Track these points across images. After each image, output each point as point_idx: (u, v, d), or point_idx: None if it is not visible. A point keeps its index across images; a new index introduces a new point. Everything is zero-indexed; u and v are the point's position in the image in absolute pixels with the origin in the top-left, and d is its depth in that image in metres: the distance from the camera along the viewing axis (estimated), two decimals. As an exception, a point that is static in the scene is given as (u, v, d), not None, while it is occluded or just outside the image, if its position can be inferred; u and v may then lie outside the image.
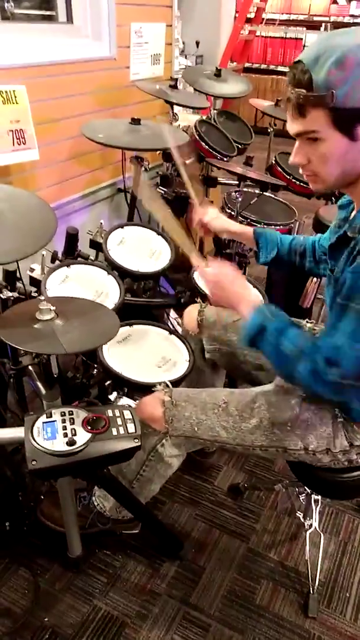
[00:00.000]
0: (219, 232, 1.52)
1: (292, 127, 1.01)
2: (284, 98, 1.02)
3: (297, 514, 1.59)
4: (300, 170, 1.08)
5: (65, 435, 1.09)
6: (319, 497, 1.49)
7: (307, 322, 1.49)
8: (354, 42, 0.92)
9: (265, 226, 2.28)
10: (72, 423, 1.12)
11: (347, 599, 1.47)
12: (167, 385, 1.32)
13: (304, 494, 1.54)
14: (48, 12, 2.32)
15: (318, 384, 1.04)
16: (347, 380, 1.01)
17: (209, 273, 1.22)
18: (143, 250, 1.84)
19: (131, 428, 1.14)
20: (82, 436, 1.09)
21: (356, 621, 1.41)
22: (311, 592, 1.44)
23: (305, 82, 0.95)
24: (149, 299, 1.96)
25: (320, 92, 0.93)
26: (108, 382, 1.63)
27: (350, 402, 1.16)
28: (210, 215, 1.48)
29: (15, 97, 1.83)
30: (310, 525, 1.52)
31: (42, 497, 1.53)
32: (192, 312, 1.61)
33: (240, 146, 2.70)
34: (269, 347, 1.10)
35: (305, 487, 1.46)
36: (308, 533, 1.51)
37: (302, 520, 1.55)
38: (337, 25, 5.80)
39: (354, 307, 0.97)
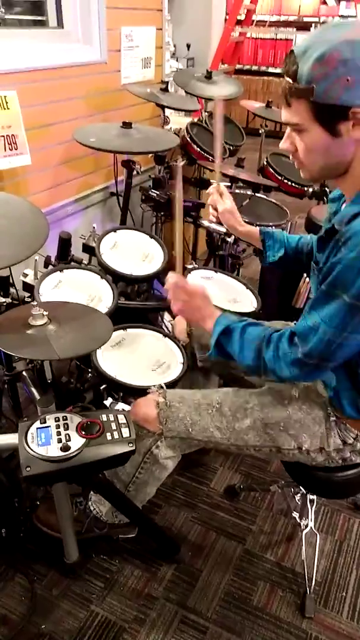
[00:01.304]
0: (226, 227, 1.54)
1: (282, 114, 1.02)
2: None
3: (293, 515, 1.59)
4: (290, 157, 1.09)
5: (60, 440, 1.09)
6: (315, 497, 1.50)
7: (296, 323, 1.50)
8: (342, 38, 0.91)
9: (257, 227, 2.29)
10: (67, 428, 1.12)
11: (344, 598, 1.47)
12: (162, 387, 1.33)
13: (299, 494, 1.55)
14: (39, 17, 2.32)
15: (282, 366, 1.08)
16: (311, 359, 1.04)
17: (188, 288, 1.25)
18: (136, 254, 1.84)
19: (125, 432, 1.15)
20: (77, 441, 1.09)
21: (353, 620, 1.42)
22: (308, 592, 1.45)
23: (291, 73, 0.95)
24: (143, 302, 1.96)
25: (302, 84, 0.94)
26: (103, 387, 1.63)
27: (339, 396, 1.18)
28: (225, 206, 1.50)
29: (7, 102, 1.83)
30: (306, 525, 1.52)
31: (38, 503, 1.53)
32: (181, 321, 1.62)
33: (232, 148, 2.70)
34: (236, 346, 1.15)
35: (301, 487, 1.46)
36: (304, 533, 1.52)
37: (298, 520, 1.55)
38: (327, 27, 5.81)
39: (338, 295, 0.97)
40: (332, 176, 1.07)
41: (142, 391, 1.34)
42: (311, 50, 0.92)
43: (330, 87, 0.91)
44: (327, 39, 0.92)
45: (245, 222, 2.21)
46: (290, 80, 0.96)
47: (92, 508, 1.46)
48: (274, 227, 2.29)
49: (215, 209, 1.53)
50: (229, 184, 2.27)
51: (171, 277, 1.26)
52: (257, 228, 1.50)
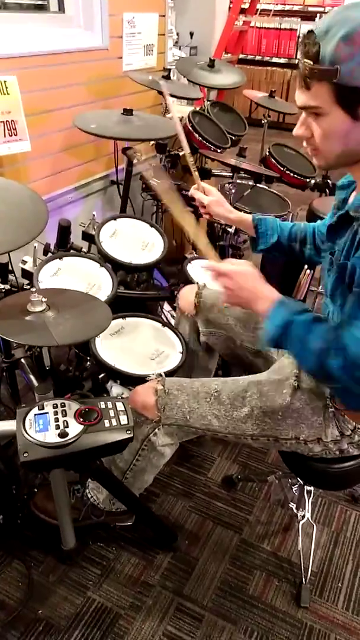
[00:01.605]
0: (217, 218, 1.52)
1: (299, 98, 0.98)
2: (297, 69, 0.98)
3: (290, 505, 1.60)
4: (304, 144, 1.05)
5: (58, 427, 1.09)
6: (312, 488, 1.50)
7: None
8: None
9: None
10: (65, 415, 1.12)
11: (339, 589, 1.48)
12: (160, 375, 1.32)
13: (296, 485, 1.55)
14: (39, 2, 2.29)
15: (349, 379, 0.98)
16: None
17: (224, 270, 1.13)
18: (136, 243, 1.83)
19: (124, 420, 1.14)
20: (74, 428, 1.09)
21: (347, 610, 1.42)
22: (304, 582, 1.45)
23: (312, 54, 0.91)
24: (143, 291, 1.95)
25: (326, 65, 0.90)
26: (102, 375, 1.62)
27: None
28: (212, 198, 1.48)
29: (6, 87, 1.81)
30: (303, 516, 1.53)
31: (36, 490, 1.53)
32: (188, 293, 1.60)
33: (233, 137, 2.68)
34: (296, 344, 1.02)
35: (298, 479, 1.46)
36: (301, 524, 1.52)
37: (295, 511, 1.55)
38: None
39: None
40: (348, 163, 1.04)
41: (140, 380, 1.34)
42: (334, 30, 0.89)
43: (356, 67, 0.88)
44: (352, 18, 0.88)
45: (246, 212, 2.20)
46: (311, 62, 0.92)
47: (89, 495, 1.46)
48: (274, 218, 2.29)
49: (203, 206, 1.51)
50: (231, 174, 2.25)
51: (207, 266, 1.16)
52: (250, 215, 1.48)
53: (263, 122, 3.03)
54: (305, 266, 2.14)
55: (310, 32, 0.93)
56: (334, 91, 0.92)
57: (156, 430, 1.29)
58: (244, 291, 1.10)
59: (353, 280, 0.99)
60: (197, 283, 1.61)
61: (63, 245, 1.73)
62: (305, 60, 0.93)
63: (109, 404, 1.17)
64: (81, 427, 1.09)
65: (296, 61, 0.98)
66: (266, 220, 1.46)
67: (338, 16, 0.91)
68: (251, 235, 1.49)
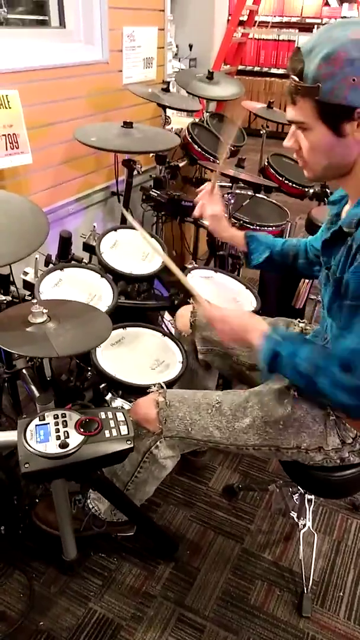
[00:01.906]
0: (212, 232, 1.54)
1: (287, 112, 1.03)
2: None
3: (291, 514, 1.60)
4: (294, 155, 1.09)
5: (58, 437, 1.10)
6: (313, 497, 1.50)
7: (299, 321, 1.51)
8: (349, 37, 0.91)
9: (258, 228, 2.30)
10: (65, 426, 1.13)
11: (341, 598, 1.47)
12: (162, 387, 1.33)
13: (297, 494, 1.55)
14: (41, 17, 2.33)
15: (340, 393, 1.02)
16: None
17: (213, 311, 1.23)
18: (136, 253, 1.84)
19: (124, 430, 1.15)
20: (75, 438, 1.10)
21: (349, 620, 1.42)
22: (305, 591, 1.45)
23: (297, 71, 0.96)
24: (143, 301, 1.96)
25: (308, 83, 0.94)
26: (102, 385, 1.63)
27: None
28: (214, 212, 1.49)
29: (8, 101, 1.84)
30: (304, 525, 1.53)
31: (37, 500, 1.53)
32: (184, 313, 1.63)
33: (232, 148, 2.70)
34: (288, 370, 1.10)
35: (299, 487, 1.46)
36: (302, 533, 1.52)
37: (296, 520, 1.55)
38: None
39: None
40: (335, 176, 1.07)
41: (141, 390, 1.35)
42: (318, 49, 0.92)
43: (336, 86, 0.92)
44: (333, 38, 0.92)
45: (245, 222, 2.21)
46: (297, 79, 0.96)
47: (90, 506, 1.46)
48: (274, 228, 2.31)
49: (200, 214, 1.52)
50: (230, 184, 2.27)
51: (203, 315, 1.26)
52: (242, 232, 1.51)
53: (261, 132, 3.06)
54: (305, 275, 2.16)
55: (298, 49, 0.97)
56: (317, 108, 0.96)
57: (158, 442, 1.30)
58: (236, 332, 1.20)
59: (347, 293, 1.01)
60: (192, 302, 1.62)
61: (64, 257, 1.75)
62: (292, 76, 0.97)
63: (110, 415, 1.18)
64: (82, 437, 1.10)
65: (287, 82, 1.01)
66: (257, 236, 1.49)
67: (322, 36, 0.94)
68: (244, 250, 1.51)
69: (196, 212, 1.53)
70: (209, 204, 1.50)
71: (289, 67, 0.99)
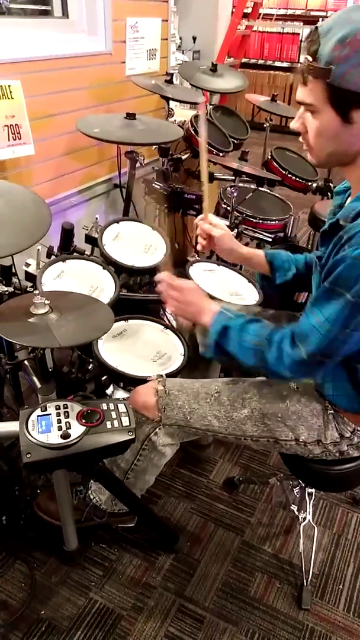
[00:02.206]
0: (224, 253, 1.45)
1: (298, 92, 1.01)
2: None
3: (292, 507, 1.60)
4: (300, 139, 1.07)
5: (60, 428, 1.10)
6: (313, 491, 1.50)
7: (301, 314, 1.50)
8: None
9: (260, 220, 2.29)
10: (67, 416, 1.13)
11: (340, 591, 1.48)
12: (161, 376, 1.33)
13: (298, 487, 1.55)
14: (43, 7, 2.31)
15: (284, 367, 1.07)
16: (314, 358, 1.03)
17: (176, 284, 1.25)
18: (138, 246, 1.84)
19: (125, 421, 1.15)
20: (77, 429, 1.10)
21: (349, 612, 1.43)
22: (305, 584, 1.46)
23: (312, 51, 0.94)
24: (145, 294, 1.96)
25: (321, 64, 0.92)
26: (104, 377, 1.63)
27: (324, 385, 1.19)
28: (222, 232, 1.42)
29: (11, 92, 1.83)
30: (304, 518, 1.53)
31: (39, 491, 1.54)
32: None
33: (236, 141, 2.69)
34: (234, 345, 1.13)
35: (299, 481, 1.47)
36: (302, 526, 1.53)
37: (296, 513, 1.56)
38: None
39: (341, 293, 0.97)
40: (339, 163, 1.06)
41: (142, 381, 1.35)
42: (335, 30, 0.90)
43: (348, 70, 0.90)
44: (352, 20, 0.90)
45: (248, 215, 2.19)
46: (310, 59, 0.94)
47: (91, 497, 1.47)
48: (276, 222, 2.30)
49: (205, 238, 1.44)
50: (233, 177, 2.26)
51: (159, 276, 1.27)
52: (260, 251, 1.45)
53: (265, 125, 3.04)
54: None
55: (315, 28, 0.95)
56: (327, 91, 0.94)
57: (157, 430, 1.30)
58: (191, 306, 1.24)
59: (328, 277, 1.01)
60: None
61: (66, 248, 1.74)
62: (306, 55, 0.95)
63: (111, 406, 1.18)
64: (83, 428, 1.10)
65: (299, 64, 1.00)
66: (280, 253, 1.43)
67: (341, 18, 0.92)
68: (263, 272, 1.45)
69: (200, 248, 1.46)
70: (213, 232, 1.41)
71: (303, 47, 0.98)
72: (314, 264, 1.22)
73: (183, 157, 2.61)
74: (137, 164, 2.31)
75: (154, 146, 2.49)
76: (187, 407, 1.26)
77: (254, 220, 2.28)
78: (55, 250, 1.74)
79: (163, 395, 1.27)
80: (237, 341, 1.13)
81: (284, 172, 2.55)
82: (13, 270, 1.59)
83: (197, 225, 1.46)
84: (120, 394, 1.47)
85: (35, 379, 1.50)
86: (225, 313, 1.18)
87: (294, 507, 1.58)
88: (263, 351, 1.10)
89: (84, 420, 1.12)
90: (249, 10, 5.10)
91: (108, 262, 1.72)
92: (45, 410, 1.14)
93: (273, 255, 1.44)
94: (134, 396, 1.31)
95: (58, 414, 1.13)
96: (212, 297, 1.55)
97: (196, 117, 2.42)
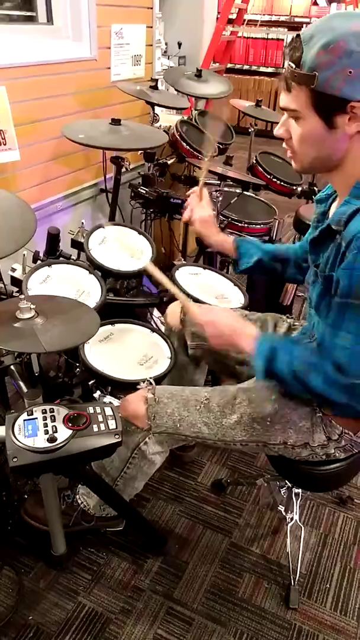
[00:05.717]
0: (200, 236, 1.52)
1: (281, 99, 1.02)
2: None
3: (279, 508, 1.61)
4: (283, 145, 1.08)
5: (47, 432, 1.10)
6: (300, 491, 1.52)
7: (287, 317, 1.52)
8: (350, 28, 0.90)
9: (246, 225, 2.31)
10: (53, 420, 1.13)
11: (327, 590, 1.49)
12: (150, 383, 1.34)
13: (285, 488, 1.56)
14: (28, 13, 2.32)
15: (333, 391, 1.04)
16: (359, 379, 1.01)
17: (201, 314, 1.23)
18: (124, 250, 1.85)
19: (112, 424, 1.16)
20: (63, 433, 1.10)
21: (336, 611, 1.44)
22: (292, 583, 1.47)
23: (295, 58, 0.95)
24: (132, 298, 1.97)
25: (305, 71, 0.93)
26: (91, 382, 1.64)
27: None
28: (203, 215, 1.47)
29: (-5, 98, 1.83)
30: (292, 519, 1.54)
31: (26, 496, 1.54)
32: (174, 308, 1.63)
33: (221, 146, 2.72)
34: (285, 367, 1.10)
35: (286, 481, 1.48)
36: (289, 526, 1.54)
37: (284, 513, 1.57)
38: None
39: (354, 304, 0.97)
40: (322, 169, 1.07)
41: (129, 385, 1.36)
42: (318, 37, 0.91)
43: (332, 76, 0.91)
44: (335, 27, 0.91)
45: (233, 220, 2.21)
46: (294, 65, 0.95)
47: (79, 501, 1.47)
48: (262, 226, 2.33)
49: (188, 218, 1.50)
50: (218, 182, 2.29)
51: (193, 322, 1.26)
52: (231, 238, 1.50)
53: (250, 130, 3.08)
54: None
55: (297, 36, 0.96)
56: (311, 97, 0.95)
57: (147, 439, 1.30)
58: (226, 337, 1.20)
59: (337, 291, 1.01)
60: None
61: (52, 253, 1.75)
62: (289, 62, 0.96)
63: (98, 409, 1.19)
64: (70, 431, 1.11)
65: (283, 70, 1.01)
66: (247, 241, 1.48)
67: (323, 25, 0.93)
68: (233, 257, 1.50)
69: (185, 216, 1.51)
70: (198, 208, 1.49)
71: (286, 54, 0.97)
72: (312, 273, 1.19)
73: (169, 162, 2.63)
74: (123, 169, 2.32)
75: (140, 151, 2.50)
76: (176, 414, 1.27)
77: (240, 224, 2.30)
78: (41, 255, 1.75)
79: (152, 404, 1.27)
80: (286, 364, 1.09)
81: (268, 177, 2.57)
82: (-1, 275, 1.59)
83: (190, 195, 1.52)
84: (107, 400, 1.47)
85: (21, 383, 1.50)
86: (268, 337, 1.16)
87: (281, 508, 1.59)
88: (308, 376, 1.07)
89: (70, 424, 1.12)
90: (233, 16, 5.14)
91: (94, 267, 1.72)
92: (32, 414, 1.14)
93: (241, 242, 1.48)
94: (124, 405, 1.31)
95: (44, 418, 1.14)
96: (197, 301, 1.57)
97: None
